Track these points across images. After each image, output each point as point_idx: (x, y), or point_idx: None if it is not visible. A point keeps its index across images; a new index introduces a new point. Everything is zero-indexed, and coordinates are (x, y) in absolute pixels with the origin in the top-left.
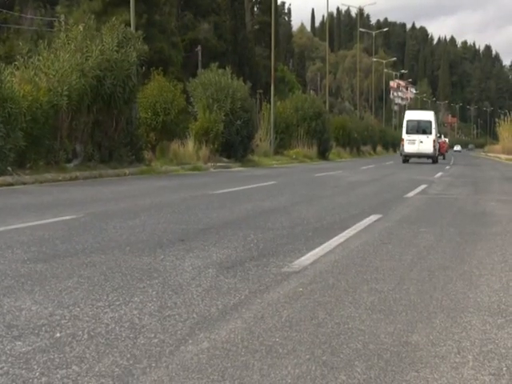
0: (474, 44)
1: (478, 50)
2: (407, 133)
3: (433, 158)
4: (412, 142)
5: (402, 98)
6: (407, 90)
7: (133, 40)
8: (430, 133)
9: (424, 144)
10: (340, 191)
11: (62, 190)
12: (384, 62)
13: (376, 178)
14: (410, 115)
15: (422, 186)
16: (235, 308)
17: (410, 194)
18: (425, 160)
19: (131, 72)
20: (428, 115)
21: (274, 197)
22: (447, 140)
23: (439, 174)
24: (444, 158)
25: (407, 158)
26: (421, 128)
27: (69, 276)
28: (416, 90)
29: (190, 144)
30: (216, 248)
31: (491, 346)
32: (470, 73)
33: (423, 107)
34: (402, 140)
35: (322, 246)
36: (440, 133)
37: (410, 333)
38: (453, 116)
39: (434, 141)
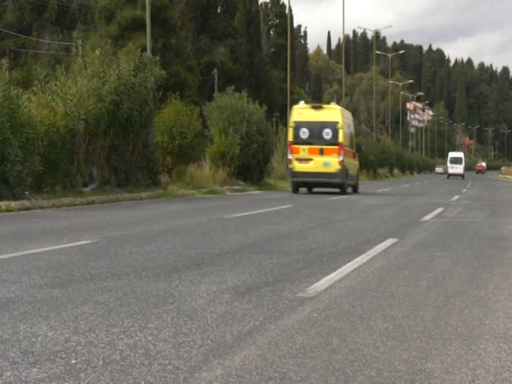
0: (491, 66)
1: (496, 72)
2: (450, 163)
3: (462, 176)
4: (452, 167)
5: (419, 121)
6: (424, 112)
7: (150, 64)
8: (461, 163)
9: (457, 169)
10: (356, 215)
11: (79, 214)
12: (400, 84)
13: (392, 201)
14: (452, 154)
15: (439, 210)
16: (249, 334)
17: (427, 218)
18: (445, 183)
19: (148, 96)
20: (460, 154)
21: (289, 221)
22: (484, 164)
23: (456, 196)
24: (463, 178)
25: (449, 176)
26: (457, 161)
27: (85, 301)
28: (433, 112)
29: (206, 167)
30: (231, 273)
31: (506, 373)
32: (487, 94)
33: (440, 129)
34: (447, 168)
35: (338, 271)
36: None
37: (424, 360)
38: (470, 138)
39: (463, 167)
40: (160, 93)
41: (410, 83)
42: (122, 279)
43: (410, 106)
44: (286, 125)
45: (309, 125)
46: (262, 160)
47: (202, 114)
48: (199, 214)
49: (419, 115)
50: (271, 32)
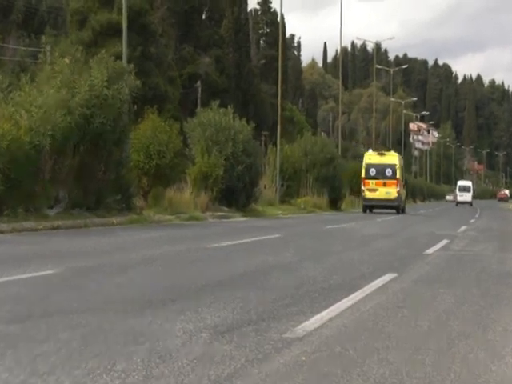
0: (502, 83)
1: (508, 91)
2: (459, 191)
3: (470, 204)
4: (461, 195)
5: (423, 143)
6: (429, 133)
7: (125, 74)
8: (470, 191)
9: (466, 197)
10: (352, 246)
11: (42, 240)
12: (403, 102)
13: (393, 231)
14: (460, 183)
15: (444, 242)
16: (229, 379)
17: (430, 251)
18: (452, 211)
19: (122, 110)
20: (469, 183)
21: (278, 252)
22: (507, 192)
23: (463, 227)
24: (471, 205)
25: (457, 204)
26: (465, 189)
27: (45, 339)
28: (438, 133)
29: (187, 190)
30: (211, 310)
31: None
32: (498, 115)
33: (446, 153)
34: (456, 195)
35: (330, 309)
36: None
37: None
38: (479, 163)
39: (471, 195)
40: (136, 106)
41: (414, 101)
42: (88, 315)
43: (413, 126)
44: (275, 144)
45: (376, 166)
46: (249, 183)
47: (182, 131)
48: (177, 243)
49: (423, 137)
50: (261, 42)
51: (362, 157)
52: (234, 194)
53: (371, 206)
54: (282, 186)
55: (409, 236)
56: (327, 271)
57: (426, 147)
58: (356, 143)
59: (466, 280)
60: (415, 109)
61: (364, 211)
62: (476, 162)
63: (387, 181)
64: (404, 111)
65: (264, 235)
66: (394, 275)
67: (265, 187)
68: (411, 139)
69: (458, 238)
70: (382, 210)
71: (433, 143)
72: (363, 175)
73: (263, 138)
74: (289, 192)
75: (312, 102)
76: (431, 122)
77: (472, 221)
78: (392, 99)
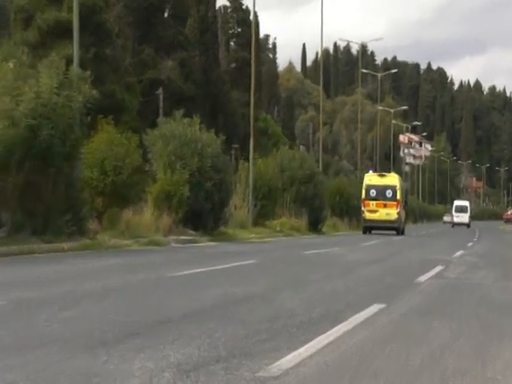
0: (504, 90)
1: (510, 98)
2: (455, 211)
3: (467, 225)
4: (458, 216)
5: (415, 157)
6: (421, 146)
7: (77, 81)
8: (467, 212)
9: (463, 217)
10: (335, 274)
11: None
12: (392, 111)
13: (380, 257)
14: (457, 203)
15: (438, 268)
16: None
17: (422, 279)
18: (448, 234)
19: (74, 121)
20: (466, 203)
21: (250, 280)
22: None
23: (459, 252)
24: (469, 227)
25: (453, 225)
26: (462, 209)
27: None
28: (432, 146)
29: (147, 212)
30: (174, 346)
31: None
32: (499, 126)
33: (441, 168)
34: (453, 216)
35: (309, 345)
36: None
37: None
38: (478, 179)
39: (469, 216)
40: (89, 117)
41: (404, 110)
42: (34, 353)
43: (403, 138)
44: (248, 159)
45: (376, 187)
46: (218, 203)
47: (142, 145)
48: (136, 271)
49: (415, 150)
50: (232, 43)
51: (347, 173)
52: (201, 215)
53: (371, 228)
54: (256, 206)
55: (398, 262)
56: (307, 302)
57: (417, 162)
58: (339, 158)
59: (462, 311)
60: (406, 119)
61: (364, 232)
62: (474, 179)
63: (388, 202)
64: (393, 121)
65: (235, 262)
66: (382, 306)
67: (235, 208)
68: (401, 153)
69: (454, 264)
70: (383, 231)
71: (426, 157)
72: (363, 196)
73: (234, 152)
74: (263, 213)
75: (289, 112)
76: (424, 134)
77: (470, 244)
78: (380, 108)
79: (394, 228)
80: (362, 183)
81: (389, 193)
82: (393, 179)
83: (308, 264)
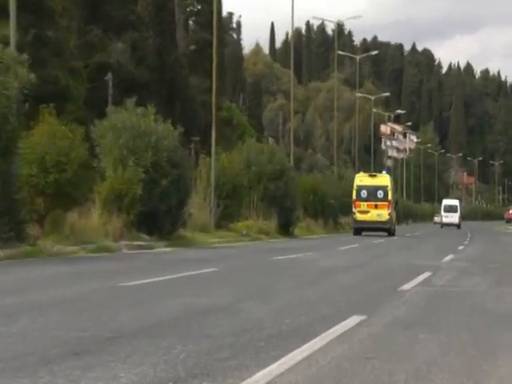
0: (498, 74)
1: (505, 83)
2: (444, 211)
3: (457, 226)
4: (447, 216)
5: (399, 150)
6: (405, 137)
7: (13, 65)
8: (457, 211)
9: (452, 217)
10: (308, 281)
11: None
12: (373, 98)
13: (360, 262)
14: (446, 202)
15: (425, 275)
16: None
17: (407, 286)
18: (436, 235)
19: (10, 110)
20: (455, 202)
21: (213, 290)
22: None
23: (449, 256)
24: (459, 228)
25: (442, 226)
26: (451, 209)
27: None
28: (418, 137)
29: (95, 214)
30: (126, 365)
31: None
32: (493, 114)
33: (428, 162)
34: (441, 216)
35: (280, 362)
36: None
37: None
38: (469, 174)
39: (459, 216)
40: (27, 104)
41: (386, 97)
42: None
43: (385, 129)
44: (209, 153)
45: (367, 188)
46: (176, 204)
47: (89, 138)
48: (84, 281)
49: (398, 142)
50: (190, 22)
51: (321, 169)
52: (157, 217)
53: (362, 229)
54: (219, 206)
55: (380, 268)
56: (276, 314)
57: (401, 155)
58: (313, 151)
59: (452, 322)
60: (388, 107)
61: (355, 234)
62: (465, 174)
63: (379, 203)
64: (374, 110)
65: (195, 269)
66: (362, 318)
67: (196, 208)
68: (383, 145)
69: (443, 269)
70: (374, 232)
71: (410, 150)
72: (354, 197)
73: (194, 146)
74: (227, 214)
75: (256, 99)
76: (408, 124)
77: (461, 248)
78: (358, 95)
79: (385, 229)
80: (339, 179)
81: (380, 193)
82: (384, 179)
83: (277, 271)
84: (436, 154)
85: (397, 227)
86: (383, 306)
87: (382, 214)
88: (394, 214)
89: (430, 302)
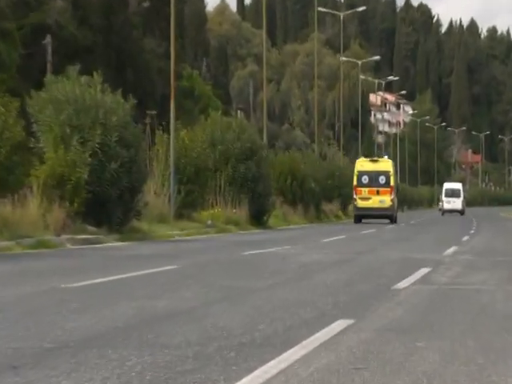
0: (507, 32)
1: None
2: (445, 196)
3: (460, 212)
4: (449, 202)
5: (390, 123)
6: (399, 109)
7: None
8: (460, 196)
9: (455, 203)
10: (285, 280)
11: None
12: (360, 62)
13: (347, 257)
14: (447, 185)
15: (423, 271)
16: None
17: (402, 285)
18: (437, 224)
19: None
20: (458, 185)
21: (173, 292)
22: None
23: (452, 248)
24: (462, 214)
25: (444, 213)
26: (454, 193)
27: None
28: (413, 109)
29: (33, 203)
30: (70, 381)
31: None
32: (501, 80)
33: (425, 138)
34: (442, 201)
35: (253, 375)
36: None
37: None
38: (474, 152)
39: (462, 201)
40: None
41: (376, 61)
42: None
43: (375, 99)
44: (168, 130)
45: (368, 173)
46: (128, 190)
47: (25, 113)
48: (19, 283)
49: (391, 115)
50: None
51: (300, 147)
52: (106, 206)
53: (363, 216)
54: (179, 192)
55: (371, 263)
56: (249, 318)
57: (394, 130)
58: (290, 126)
59: (456, 327)
60: (378, 72)
61: (356, 221)
62: (470, 151)
63: (381, 189)
64: (361, 76)
65: (152, 267)
66: (350, 322)
67: (155, 193)
68: (372, 119)
69: (445, 264)
70: (375, 219)
71: (405, 124)
72: (355, 183)
73: (149, 121)
74: (189, 202)
75: (222, 66)
76: (402, 93)
77: (465, 238)
78: (343, 59)
79: (387, 216)
80: (321, 159)
81: (382, 179)
82: (386, 164)
83: (249, 268)
84: (435, 127)
85: None
86: (374, 307)
87: (384, 200)
88: (396, 201)
89: (430, 303)
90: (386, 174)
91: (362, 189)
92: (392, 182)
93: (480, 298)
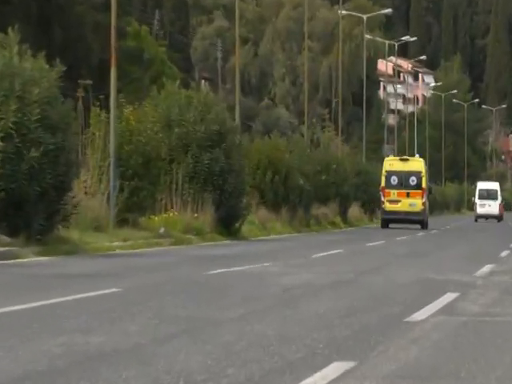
0: None
1: None
2: (479, 198)
3: (498, 218)
4: (483, 205)
5: (406, 99)
6: (417, 80)
7: None
8: (496, 199)
9: (490, 207)
10: (263, 309)
11: None
12: (365, 17)
13: (346, 277)
14: (481, 185)
15: (448, 297)
16: None
17: (419, 315)
18: (468, 234)
19: None
20: (495, 185)
21: (113, 323)
22: None
23: (486, 267)
24: (499, 221)
25: (477, 218)
26: (489, 195)
27: None
28: (436, 80)
29: None
30: None
31: None
32: None
33: (451, 119)
34: (476, 205)
35: None
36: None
37: None
38: None
39: (500, 204)
40: None
41: (387, 16)
42: None
43: (385, 66)
44: (107, 107)
45: (398, 174)
46: (53, 187)
47: None
48: None
49: (406, 87)
50: None
51: (284, 130)
52: (23, 208)
53: (391, 220)
54: (122, 191)
55: (377, 286)
56: (213, 360)
57: (410, 108)
58: (272, 102)
59: (491, 374)
60: (390, 31)
61: (383, 226)
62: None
63: (411, 191)
64: (367, 36)
65: (86, 291)
66: (349, 365)
67: (86, 193)
68: (381, 92)
69: (477, 288)
70: (404, 224)
71: (425, 100)
72: (383, 184)
73: (82, 94)
74: (135, 203)
75: (181, 21)
76: (422, 58)
77: (504, 253)
78: (343, 12)
79: (418, 221)
80: (313, 147)
81: (413, 180)
82: (417, 164)
83: (214, 293)
84: (465, 105)
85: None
86: (382, 346)
87: (415, 203)
88: (427, 204)
89: (456, 341)
90: (417, 174)
91: (391, 191)
92: (424, 184)
93: None
